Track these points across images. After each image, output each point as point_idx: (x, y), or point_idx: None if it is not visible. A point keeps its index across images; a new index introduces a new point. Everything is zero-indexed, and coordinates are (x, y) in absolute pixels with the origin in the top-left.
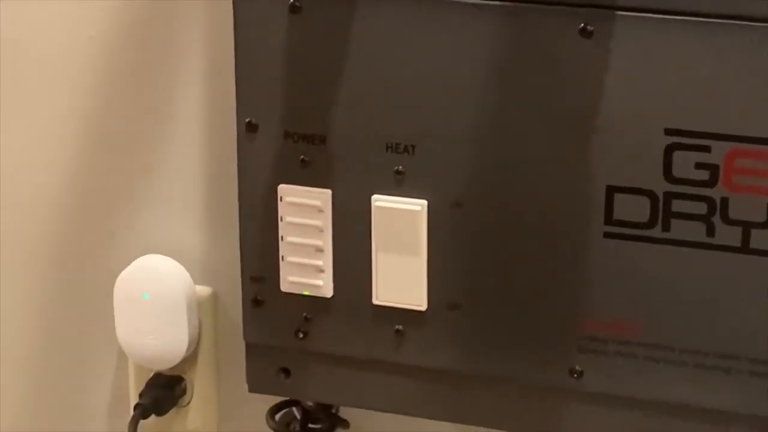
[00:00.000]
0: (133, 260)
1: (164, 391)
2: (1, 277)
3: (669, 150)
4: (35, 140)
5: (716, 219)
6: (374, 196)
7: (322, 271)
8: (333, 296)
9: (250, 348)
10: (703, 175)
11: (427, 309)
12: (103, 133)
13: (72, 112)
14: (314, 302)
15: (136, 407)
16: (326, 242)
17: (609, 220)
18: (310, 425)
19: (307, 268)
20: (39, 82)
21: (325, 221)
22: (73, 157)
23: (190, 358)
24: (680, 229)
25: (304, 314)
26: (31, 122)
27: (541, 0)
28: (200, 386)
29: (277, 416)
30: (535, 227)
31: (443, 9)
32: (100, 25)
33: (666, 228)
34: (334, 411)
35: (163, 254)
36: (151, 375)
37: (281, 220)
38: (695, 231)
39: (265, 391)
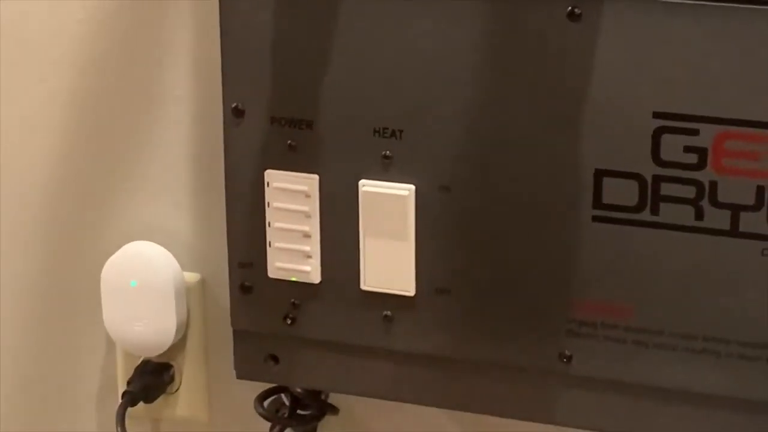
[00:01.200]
0: (121, 247)
1: (153, 378)
2: None
3: (657, 133)
4: (21, 126)
5: (705, 202)
6: (362, 181)
7: (309, 256)
8: (321, 282)
9: (237, 334)
10: (692, 158)
11: (415, 294)
12: (88, 119)
13: (58, 97)
14: (302, 288)
15: (124, 395)
16: (314, 228)
17: (598, 203)
18: (299, 411)
19: (294, 253)
20: (25, 67)
21: (313, 206)
22: (60, 144)
23: (179, 344)
24: (669, 213)
25: (292, 300)
26: (16, 107)
27: None
28: (189, 373)
29: (266, 403)
30: (523, 211)
31: None
32: (88, 10)
33: (655, 211)
34: (323, 397)
35: (150, 241)
36: (140, 362)
37: (268, 205)
38: (684, 214)
39: (253, 377)
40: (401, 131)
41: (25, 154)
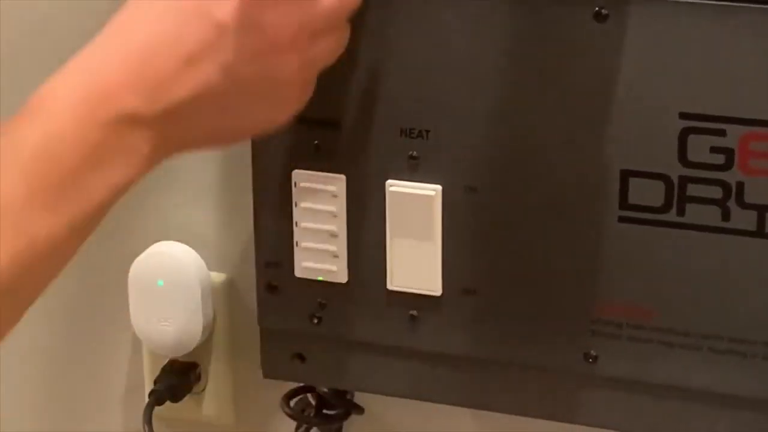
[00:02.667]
0: (148, 247)
1: (179, 377)
2: None
3: (684, 134)
4: None
5: (731, 203)
6: (389, 181)
7: (336, 256)
8: (347, 282)
9: (264, 334)
10: (718, 159)
11: (441, 294)
12: None
13: None
14: (329, 288)
15: (150, 394)
16: (340, 228)
17: (624, 204)
18: (325, 411)
19: (321, 253)
20: (49, 69)
21: (340, 206)
22: None
23: (205, 344)
24: (695, 214)
25: (319, 300)
26: None
27: None
28: (215, 373)
29: (292, 402)
30: (549, 211)
31: None
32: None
33: (681, 212)
34: (348, 397)
35: (177, 241)
36: (166, 362)
37: (295, 205)
38: (710, 215)
39: (279, 377)
40: (428, 131)
41: None
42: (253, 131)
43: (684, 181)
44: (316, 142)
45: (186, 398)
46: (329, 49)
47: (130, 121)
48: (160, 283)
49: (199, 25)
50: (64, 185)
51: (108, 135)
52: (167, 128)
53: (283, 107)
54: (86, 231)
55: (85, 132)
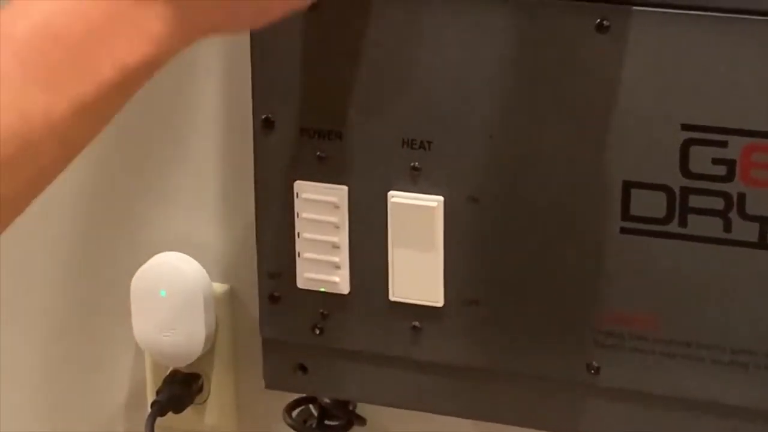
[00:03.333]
0: (150, 257)
1: (181, 388)
2: (19, 273)
3: (686, 145)
4: None
5: (733, 214)
6: (390, 192)
7: (338, 267)
8: (350, 292)
9: (266, 344)
10: (720, 170)
11: (443, 305)
12: (118, 131)
13: None
14: (331, 298)
15: (153, 404)
16: (342, 238)
17: (626, 215)
18: (327, 422)
19: (323, 264)
20: None
21: (342, 217)
22: (90, 155)
23: (207, 355)
24: (697, 225)
25: (321, 310)
26: None
27: None
28: (217, 383)
29: (294, 413)
30: (551, 222)
31: (459, 4)
32: None
33: (683, 223)
34: (351, 408)
35: (179, 251)
36: (168, 372)
37: (297, 216)
38: (712, 226)
39: (282, 387)
40: (430, 142)
41: None
42: (274, 12)
43: (686, 192)
44: (318, 153)
45: (188, 409)
46: None
47: None
48: (163, 293)
49: None
50: (62, 62)
51: (112, 8)
52: (179, 5)
53: None
54: (96, 115)
55: (87, 5)
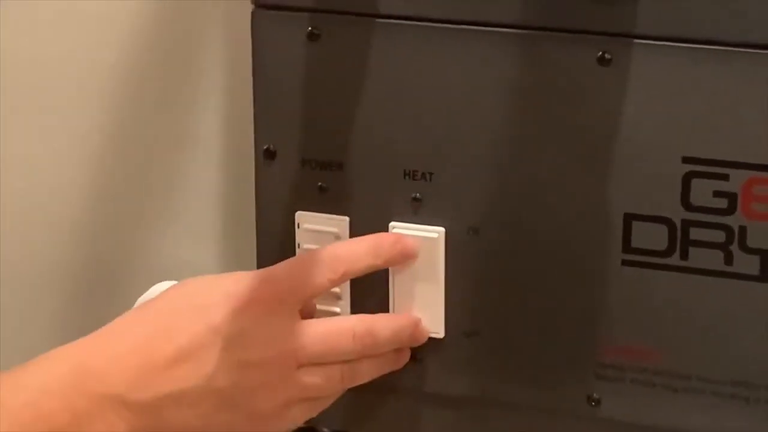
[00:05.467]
0: (151, 286)
1: None
2: (18, 302)
3: (687, 178)
4: (53, 164)
5: (734, 247)
6: (392, 223)
7: (339, 298)
8: None
9: None
10: (722, 203)
11: (444, 336)
12: (120, 159)
13: (90, 136)
14: None
15: None
16: None
17: (627, 247)
18: None
19: (324, 295)
20: (57, 106)
21: None
22: (91, 183)
23: None
24: (698, 258)
25: None
26: (50, 145)
27: (560, 28)
28: None
29: None
30: (552, 254)
31: (461, 36)
32: (121, 53)
33: (684, 256)
34: None
35: (179, 280)
36: None
37: (299, 246)
38: (713, 259)
39: None
40: (431, 174)
41: (56, 193)
42: None
43: (687, 224)
44: (319, 183)
45: None
46: (317, 386)
47: (114, 401)
48: None
49: (192, 323)
50: None
51: (93, 406)
52: (145, 417)
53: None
54: None
55: (73, 398)
